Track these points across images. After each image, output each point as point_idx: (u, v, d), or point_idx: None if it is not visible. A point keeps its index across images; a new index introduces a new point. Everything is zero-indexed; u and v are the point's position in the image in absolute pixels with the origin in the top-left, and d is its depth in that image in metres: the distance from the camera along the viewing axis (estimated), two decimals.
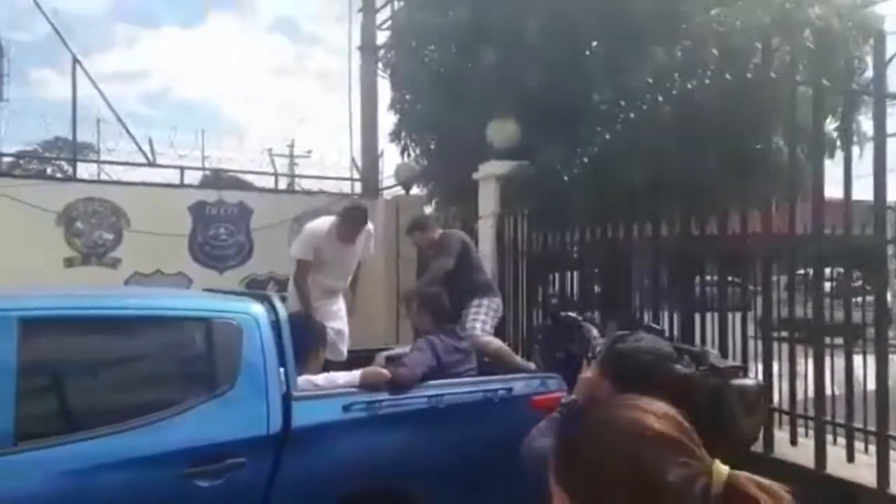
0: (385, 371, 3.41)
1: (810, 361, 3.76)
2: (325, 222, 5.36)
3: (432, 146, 7.69)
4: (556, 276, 6.18)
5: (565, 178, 5.75)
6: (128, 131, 8.02)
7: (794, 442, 3.87)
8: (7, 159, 12.36)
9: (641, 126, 4.95)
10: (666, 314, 4.62)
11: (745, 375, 2.09)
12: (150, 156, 8.17)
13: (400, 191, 9.25)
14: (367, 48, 9.18)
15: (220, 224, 8.28)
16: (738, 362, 2.25)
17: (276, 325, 3.10)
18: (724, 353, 3.86)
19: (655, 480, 0.82)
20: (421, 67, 7.16)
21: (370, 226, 5.56)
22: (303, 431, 2.97)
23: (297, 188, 9.72)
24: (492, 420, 3.45)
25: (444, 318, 4.00)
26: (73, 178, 8.05)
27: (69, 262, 7.50)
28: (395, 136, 8.09)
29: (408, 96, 7.57)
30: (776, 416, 3.97)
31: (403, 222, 8.97)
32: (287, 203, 8.66)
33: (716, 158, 4.50)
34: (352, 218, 5.23)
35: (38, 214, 7.22)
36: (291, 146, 20.27)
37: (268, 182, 9.64)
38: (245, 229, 8.36)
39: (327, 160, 10.83)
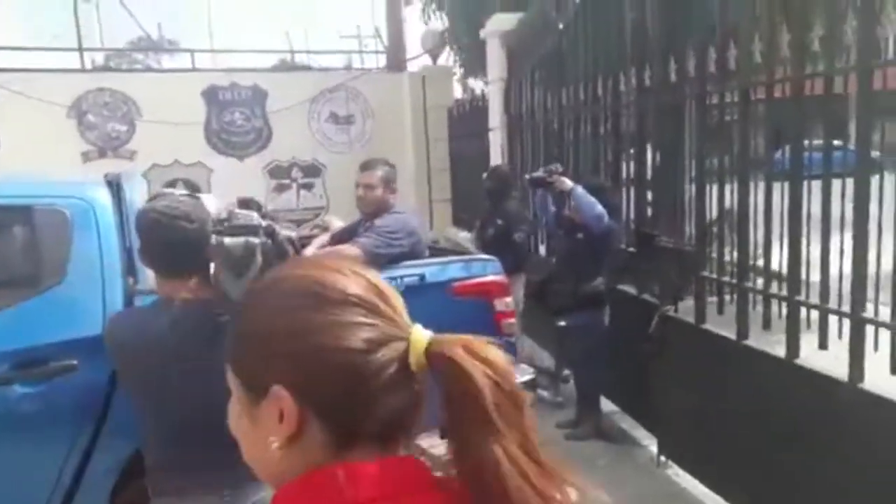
0: None
1: None
2: None
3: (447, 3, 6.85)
4: (568, 147, 5.37)
5: (560, 26, 4.86)
6: (134, 18, 7.68)
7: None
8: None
9: None
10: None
11: (259, 236, 1.81)
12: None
13: (427, 62, 8.56)
14: None
15: (234, 108, 7.96)
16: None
17: (120, 213, 2.73)
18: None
19: (330, 345, 0.66)
20: None
21: None
22: None
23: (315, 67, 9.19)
24: None
25: None
26: (79, 70, 7.88)
27: (86, 157, 7.48)
28: None
29: None
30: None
31: (431, 97, 8.34)
32: (304, 82, 8.20)
33: None
34: None
35: (49, 109, 7.15)
36: (359, 28, 20.17)
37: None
38: (262, 113, 8.01)
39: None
